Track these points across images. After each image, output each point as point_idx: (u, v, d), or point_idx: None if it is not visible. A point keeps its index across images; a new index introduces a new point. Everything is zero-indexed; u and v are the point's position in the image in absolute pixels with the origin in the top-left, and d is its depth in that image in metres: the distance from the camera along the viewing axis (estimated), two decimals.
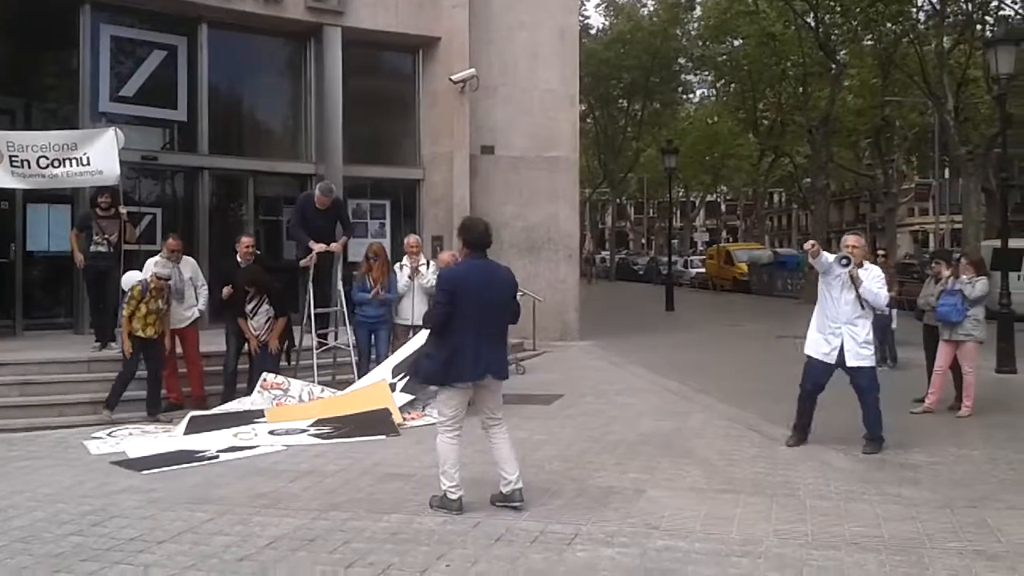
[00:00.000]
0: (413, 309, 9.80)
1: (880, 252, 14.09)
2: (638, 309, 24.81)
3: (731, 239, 66.79)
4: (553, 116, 15.09)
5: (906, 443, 7.36)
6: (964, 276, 8.80)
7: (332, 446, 7.53)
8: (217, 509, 5.64)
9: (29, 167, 9.76)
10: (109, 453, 7.42)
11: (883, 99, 30.49)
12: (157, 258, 9.45)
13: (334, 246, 10.42)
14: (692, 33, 41.20)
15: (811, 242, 7.25)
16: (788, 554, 4.70)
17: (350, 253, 11.84)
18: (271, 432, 7.97)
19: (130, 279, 9.10)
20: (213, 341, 9.76)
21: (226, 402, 9.19)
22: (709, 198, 63.79)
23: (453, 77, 13.76)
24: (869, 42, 29.37)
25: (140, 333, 8.69)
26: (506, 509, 5.48)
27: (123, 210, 10.11)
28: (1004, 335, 11.55)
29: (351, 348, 10.09)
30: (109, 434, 8.13)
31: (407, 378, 8.88)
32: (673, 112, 45.92)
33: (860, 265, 7.06)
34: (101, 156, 9.93)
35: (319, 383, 9.60)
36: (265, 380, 9.14)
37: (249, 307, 9.33)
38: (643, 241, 77.15)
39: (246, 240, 9.93)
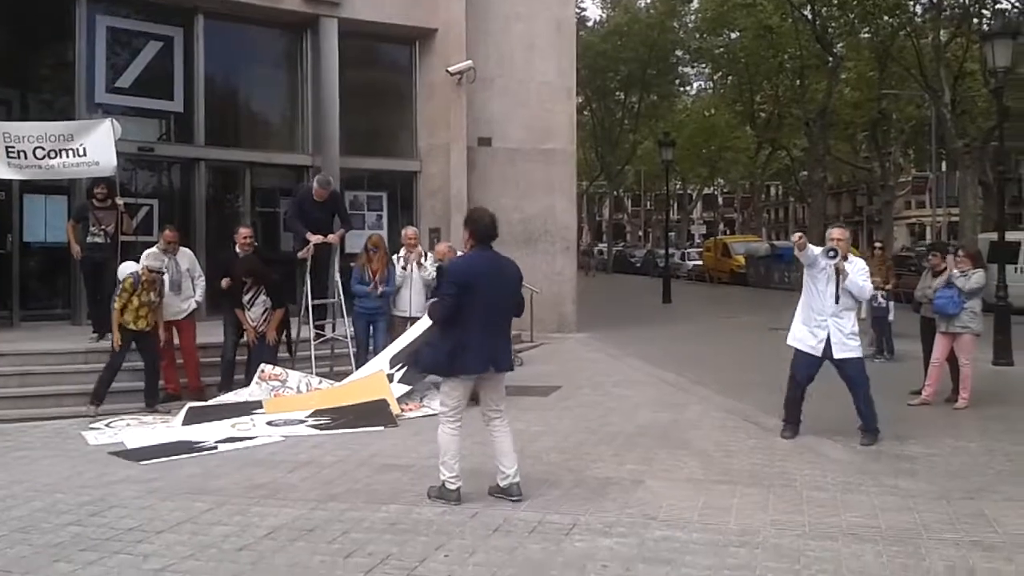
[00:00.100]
0: (411, 301, 9.82)
1: (877, 245, 14.11)
2: (635, 301, 24.82)
3: (728, 232, 66.73)
4: (550, 108, 15.08)
5: (903, 435, 7.39)
6: (956, 270, 8.80)
7: (330, 437, 7.54)
8: (216, 499, 5.65)
9: (26, 158, 9.72)
10: (107, 444, 7.44)
11: (880, 92, 30.52)
12: (153, 249, 9.44)
13: (331, 237, 10.43)
14: (689, 25, 41.26)
15: (798, 234, 7.30)
16: (785, 544, 4.72)
17: (348, 245, 11.82)
18: (269, 423, 7.98)
19: (126, 270, 9.07)
20: (211, 332, 9.75)
21: (223, 391, 9.20)
22: (706, 191, 63.87)
23: (450, 69, 13.73)
24: (866, 35, 29.41)
25: (132, 326, 8.62)
26: (505, 499, 5.49)
27: (120, 201, 10.08)
28: (1001, 327, 11.57)
29: (349, 339, 10.09)
30: (107, 425, 8.14)
31: (404, 368, 8.91)
32: (670, 104, 45.95)
33: (845, 258, 7.09)
34: (98, 147, 9.89)
35: (317, 374, 9.60)
36: (263, 371, 9.14)
37: (246, 298, 9.33)
38: (640, 234, 77.17)
39: (244, 231, 9.92)
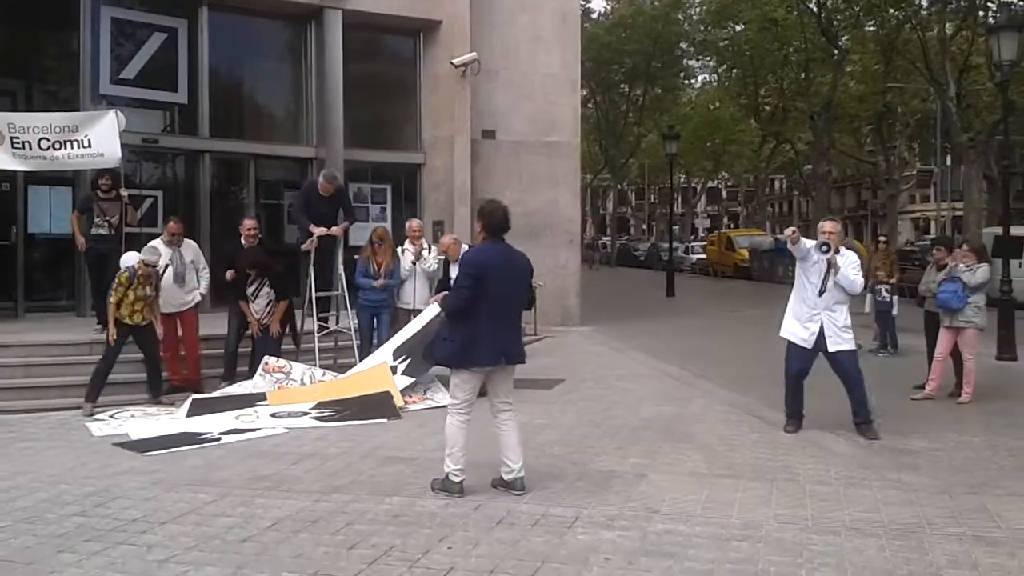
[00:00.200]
0: (415, 293, 9.81)
1: (881, 239, 14.09)
2: (639, 295, 24.81)
3: (732, 225, 66.71)
4: (554, 101, 15.05)
5: (906, 429, 7.39)
6: (961, 264, 8.79)
7: (334, 429, 7.56)
8: (219, 491, 5.66)
9: (30, 149, 9.72)
10: (111, 435, 7.45)
11: (885, 85, 30.44)
12: (157, 241, 9.45)
13: (335, 230, 10.42)
14: (694, 18, 41.12)
15: (791, 228, 7.32)
16: (788, 539, 4.72)
17: (351, 238, 11.83)
18: (273, 415, 7.99)
19: (128, 260, 9.05)
20: (215, 324, 9.77)
21: (227, 383, 9.22)
22: (710, 184, 63.75)
23: (454, 61, 13.71)
24: (871, 28, 29.31)
25: (127, 320, 8.56)
26: (508, 493, 5.50)
27: (124, 193, 10.08)
28: (1005, 322, 11.56)
29: (352, 332, 10.10)
30: (111, 416, 8.17)
31: (408, 360, 8.91)
32: (675, 97, 45.83)
33: (836, 251, 7.08)
34: (102, 138, 9.89)
35: (321, 367, 9.62)
36: (267, 363, 9.15)
37: (250, 290, 9.34)
38: (644, 227, 77.07)
39: (248, 223, 9.93)
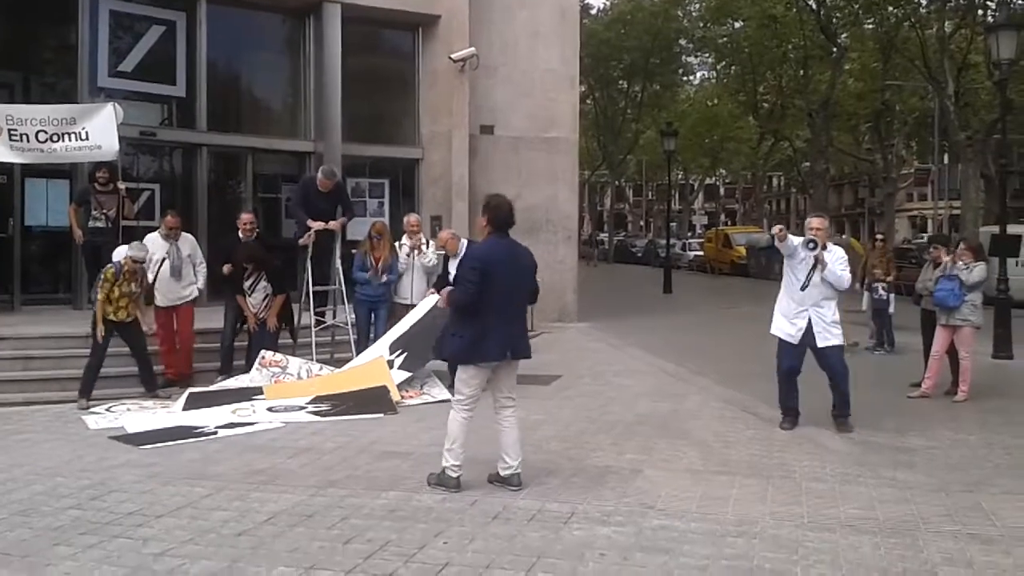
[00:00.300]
0: (412, 288, 9.80)
1: (878, 237, 14.10)
2: (636, 291, 24.82)
3: (729, 222, 66.70)
4: (553, 97, 15.04)
5: (902, 427, 7.40)
6: (960, 262, 8.80)
7: (330, 423, 7.56)
8: (215, 485, 5.66)
9: (28, 141, 9.71)
10: (108, 428, 7.46)
11: (883, 83, 30.44)
12: (154, 234, 9.43)
13: (332, 224, 10.42)
14: (693, 14, 41.12)
15: (779, 226, 7.36)
16: (783, 535, 4.73)
17: (349, 233, 11.81)
18: (269, 409, 7.99)
19: (120, 254, 9.00)
20: (212, 318, 9.76)
21: (223, 377, 9.21)
22: (708, 181, 63.65)
23: (453, 56, 13.69)
24: (870, 26, 29.31)
25: (112, 316, 8.49)
26: (504, 488, 5.51)
27: (121, 185, 10.08)
28: (1001, 321, 11.57)
29: (349, 326, 10.10)
30: (108, 409, 8.16)
31: (404, 355, 8.91)
32: (673, 94, 45.83)
33: (824, 247, 7.10)
34: (100, 131, 9.88)
35: (317, 361, 9.62)
36: (264, 357, 9.14)
37: (247, 284, 9.33)
38: (642, 223, 77.01)
39: (246, 217, 9.91)
